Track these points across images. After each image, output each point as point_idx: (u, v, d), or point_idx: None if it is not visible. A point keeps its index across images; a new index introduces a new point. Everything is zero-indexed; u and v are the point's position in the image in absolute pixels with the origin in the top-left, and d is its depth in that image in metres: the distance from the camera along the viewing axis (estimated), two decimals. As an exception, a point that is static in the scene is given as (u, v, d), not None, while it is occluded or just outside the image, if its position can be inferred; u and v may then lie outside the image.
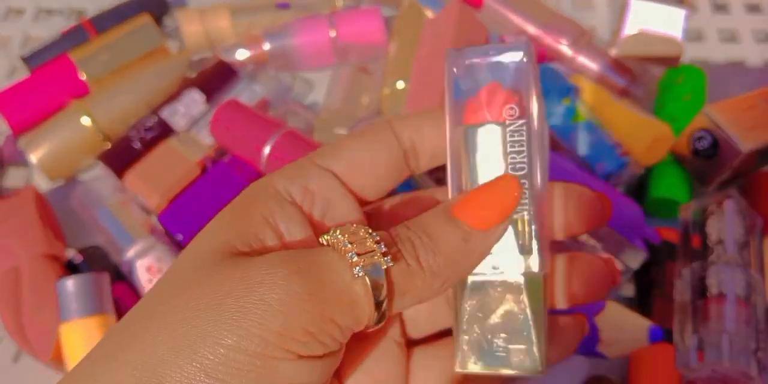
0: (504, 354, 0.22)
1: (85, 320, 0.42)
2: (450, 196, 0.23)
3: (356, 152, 0.23)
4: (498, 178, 0.22)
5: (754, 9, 0.66)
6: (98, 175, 0.54)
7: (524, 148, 0.22)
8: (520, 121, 0.22)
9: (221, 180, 0.50)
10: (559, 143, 0.51)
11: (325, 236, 0.21)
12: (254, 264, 0.20)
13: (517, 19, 0.59)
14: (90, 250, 0.48)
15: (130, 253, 0.47)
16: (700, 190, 0.51)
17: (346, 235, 0.21)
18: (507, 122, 0.22)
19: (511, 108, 0.22)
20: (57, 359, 0.44)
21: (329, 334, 0.20)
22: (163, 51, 0.58)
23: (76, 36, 0.59)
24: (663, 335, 0.43)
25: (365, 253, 0.20)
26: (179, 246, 0.49)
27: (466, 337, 0.22)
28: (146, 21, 0.58)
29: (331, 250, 0.21)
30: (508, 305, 0.22)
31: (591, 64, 0.56)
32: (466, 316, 0.22)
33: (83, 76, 0.56)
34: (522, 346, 0.22)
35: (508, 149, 0.22)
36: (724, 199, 0.45)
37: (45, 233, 0.47)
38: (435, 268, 0.21)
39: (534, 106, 0.22)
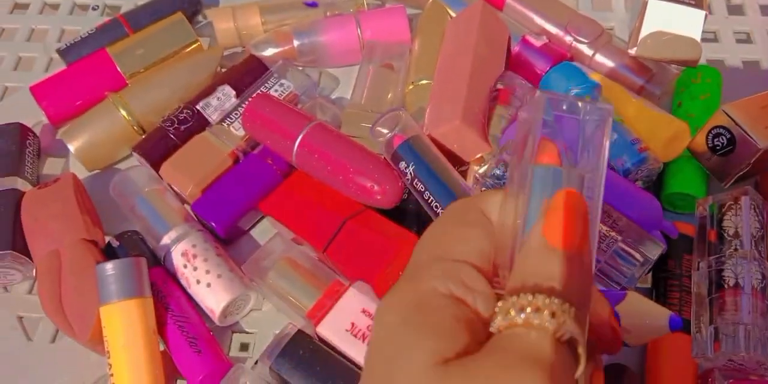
0: None
1: (125, 303, 0.44)
2: (530, 230, 0.23)
3: (480, 244, 0.24)
4: (564, 194, 0.22)
5: (769, 11, 0.67)
6: (134, 165, 0.56)
7: (593, 197, 0.24)
8: (593, 173, 0.24)
9: (253, 170, 0.52)
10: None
11: (499, 320, 0.22)
12: (480, 373, 0.20)
13: (538, 19, 0.60)
14: (127, 235, 0.49)
15: (166, 239, 0.49)
16: (716, 186, 0.52)
17: (528, 309, 0.21)
18: (581, 167, 0.24)
19: (590, 159, 0.24)
20: (95, 340, 0.45)
21: None
22: (197, 47, 0.60)
23: (110, 31, 0.61)
24: (682, 325, 0.44)
25: (554, 316, 0.21)
26: (212, 233, 0.51)
27: None
28: (179, 18, 0.60)
29: (525, 331, 0.21)
30: None
31: (610, 63, 0.57)
32: None
33: (120, 70, 0.58)
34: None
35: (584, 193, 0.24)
36: (740, 194, 0.47)
37: (83, 219, 0.49)
38: (578, 306, 0.21)
39: (605, 162, 0.24)
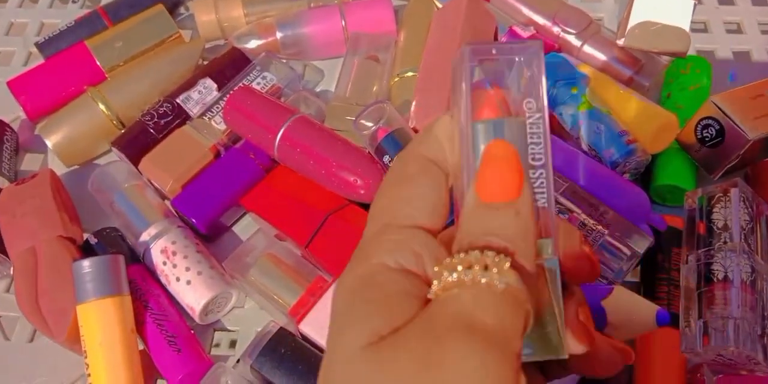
0: (529, 341, 0.23)
1: (102, 301, 0.43)
2: (466, 187, 0.22)
3: (427, 199, 0.23)
4: (489, 147, 0.21)
5: (759, 1, 0.67)
6: (113, 160, 0.55)
7: (541, 140, 0.22)
8: (537, 115, 0.23)
9: (234, 165, 0.51)
10: (567, 131, 0.52)
11: (435, 285, 0.20)
12: (410, 346, 0.19)
13: (525, 10, 0.59)
14: (105, 232, 0.48)
15: (145, 236, 0.48)
16: (705, 178, 0.51)
17: (459, 267, 0.20)
18: (528, 116, 0.22)
19: (529, 102, 0.22)
20: (72, 339, 0.44)
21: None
22: (178, 39, 0.59)
23: (90, 23, 0.60)
24: (670, 319, 0.43)
25: (486, 269, 0.20)
26: (193, 230, 0.50)
27: None
28: (160, 10, 0.59)
29: (457, 292, 0.20)
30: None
31: (598, 54, 0.56)
32: None
33: (99, 64, 0.57)
34: (546, 332, 0.23)
35: (529, 141, 0.22)
36: (730, 187, 0.46)
37: (60, 215, 0.48)
38: (519, 255, 0.21)
39: (545, 102, 0.23)
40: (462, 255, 0.20)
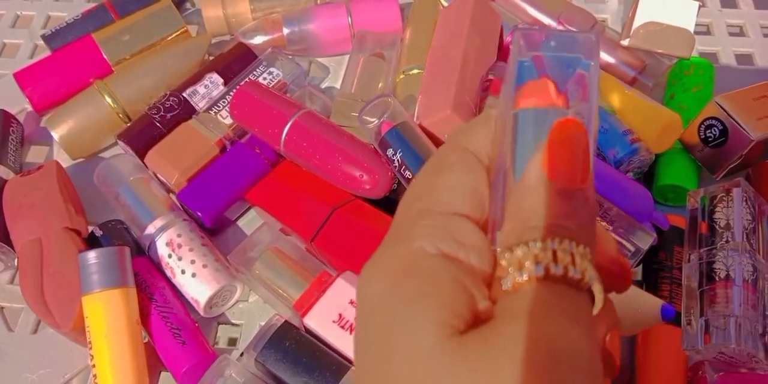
0: None
1: (108, 292, 0.43)
2: (516, 171, 0.21)
3: (467, 187, 0.21)
4: (561, 124, 0.20)
5: (762, 4, 0.67)
6: (119, 153, 0.55)
7: (590, 130, 0.21)
8: (584, 104, 0.21)
9: (240, 159, 0.51)
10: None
11: (514, 277, 0.19)
12: (506, 343, 0.18)
13: (531, 9, 0.60)
14: (111, 224, 0.48)
15: (151, 228, 0.48)
16: (708, 178, 0.52)
17: (544, 259, 0.18)
18: (571, 105, 0.21)
19: (576, 90, 0.21)
20: (77, 330, 0.44)
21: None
22: (184, 34, 0.59)
23: (96, 17, 0.60)
24: (674, 314, 0.44)
25: (574, 264, 0.18)
26: (198, 223, 0.50)
27: None
28: (167, 5, 0.59)
29: (547, 287, 0.18)
30: None
31: (602, 55, 0.57)
32: None
33: (106, 57, 0.57)
34: None
35: None
36: (732, 186, 0.46)
37: (66, 207, 0.48)
38: (588, 240, 0.19)
39: (596, 97, 0.22)
40: (540, 244, 0.18)
